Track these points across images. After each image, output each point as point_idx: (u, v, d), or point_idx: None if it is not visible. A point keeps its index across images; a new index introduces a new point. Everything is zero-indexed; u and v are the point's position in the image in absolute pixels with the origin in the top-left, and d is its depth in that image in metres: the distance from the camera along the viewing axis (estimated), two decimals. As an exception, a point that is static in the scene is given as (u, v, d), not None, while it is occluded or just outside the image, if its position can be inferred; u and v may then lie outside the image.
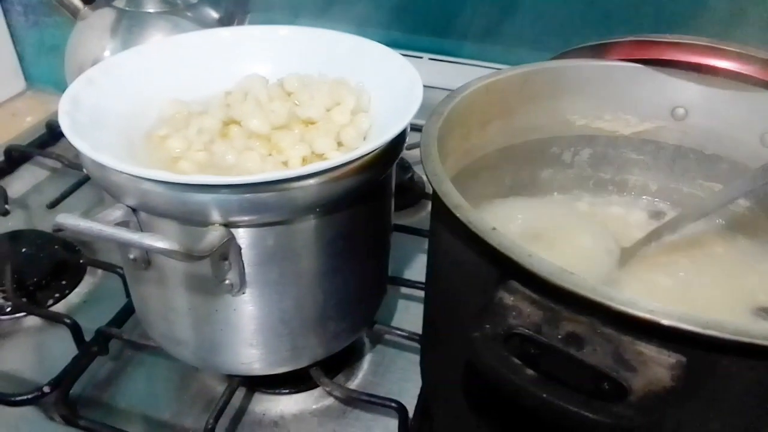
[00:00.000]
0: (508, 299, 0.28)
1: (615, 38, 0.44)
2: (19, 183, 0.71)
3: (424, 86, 0.40)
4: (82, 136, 0.36)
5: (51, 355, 0.51)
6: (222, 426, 0.45)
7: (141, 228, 0.38)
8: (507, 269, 0.28)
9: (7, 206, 0.65)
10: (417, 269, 0.58)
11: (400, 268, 0.58)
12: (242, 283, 0.39)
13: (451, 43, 0.79)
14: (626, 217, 0.47)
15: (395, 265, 0.52)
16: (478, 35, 0.77)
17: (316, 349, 0.44)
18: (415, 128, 0.37)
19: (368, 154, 0.36)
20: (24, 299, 0.55)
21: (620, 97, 0.44)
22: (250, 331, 0.41)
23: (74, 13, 0.63)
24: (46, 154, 0.72)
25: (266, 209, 0.35)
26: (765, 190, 0.40)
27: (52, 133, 0.75)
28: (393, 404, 0.45)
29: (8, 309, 0.54)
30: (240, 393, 0.48)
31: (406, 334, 0.50)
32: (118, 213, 0.37)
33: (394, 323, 0.53)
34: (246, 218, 0.36)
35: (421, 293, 0.53)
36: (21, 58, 0.89)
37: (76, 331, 0.49)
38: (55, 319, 0.52)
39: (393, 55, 0.44)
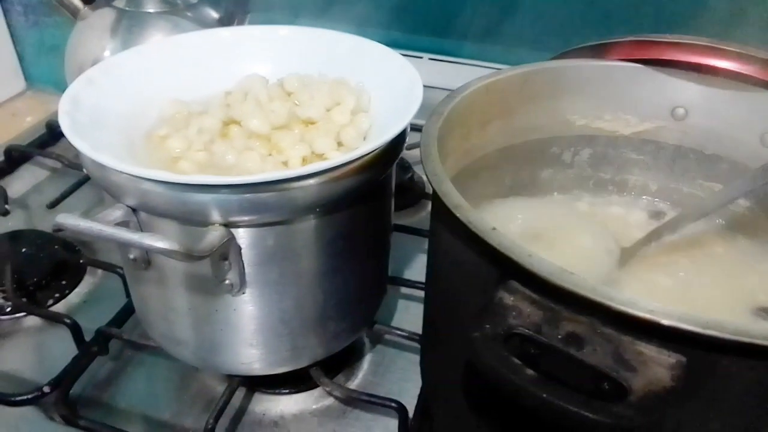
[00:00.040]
0: (508, 299, 0.28)
1: (615, 38, 0.44)
2: (19, 183, 0.71)
3: (424, 86, 0.40)
4: (82, 136, 0.36)
5: (51, 355, 0.51)
6: (222, 426, 0.45)
7: (141, 228, 0.38)
8: (507, 269, 0.28)
9: (7, 206, 0.65)
10: (417, 269, 0.58)
11: (400, 268, 0.58)
12: (242, 283, 0.39)
13: (451, 43, 0.79)
14: (626, 217, 0.47)
15: (395, 265, 0.52)
16: (478, 35, 0.77)
17: (316, 349, 0.44)
18: (415, 128, 0.37)
19: (368, 154, 0.36)
20: (24, 299, 0.55)
21: (620, 97, 0.44)
22: (250, 331, 0.41)
23: (74, 13, 0.63)
24: (46, 154, 0.72)
25: (266, 209, 0.35)
26: (765, 190, 0.40)
27: (52, 133, 0.75)
28: (393, 404, 0.45)
29: (8, 309, 0.54)
30: (240, 393, 0.48)
31: (406, 334, 0.50)
32: (118, 213, 0.37)
33: (394, 323, 0.53)
34: (246, 218, 0.36)
35: (421, 293, 0.53)
36: (21, 58, 0.89)
37: (76, 331, 0.49)
38: (55, 319, 0.52)
39: (393, 55, 0.44)
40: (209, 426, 0.44)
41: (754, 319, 0.39)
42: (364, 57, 0.46)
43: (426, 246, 0.40)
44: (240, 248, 0.37)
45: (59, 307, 0.55)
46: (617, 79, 0.44)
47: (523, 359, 0.26)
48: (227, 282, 0.38)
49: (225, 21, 0.64)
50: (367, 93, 0.44)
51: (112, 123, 0.40)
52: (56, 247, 0.59)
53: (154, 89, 0.44)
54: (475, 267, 0.31)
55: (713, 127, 0.44)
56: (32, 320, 0.54)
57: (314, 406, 0.48)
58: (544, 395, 0.25)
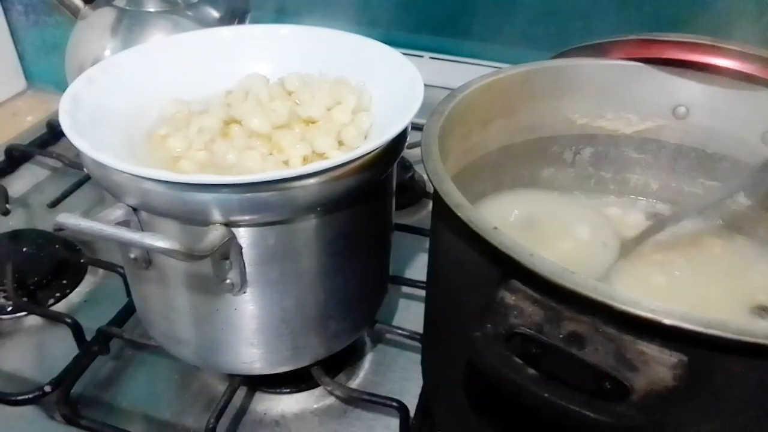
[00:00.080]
0: (510, 298, 0.28)
1: (616, 37, 0.44)
2: (19, 182, 0.71)
3: (425, 85, 0.40)
4: (82, 136, 0.36)
5: (52, 355, 0.51)
6: (223, 425, 0.45)
7: (142, 227, 0.38)
8: (508, 268, 0.28)
9: (7, 205, 0.65)
10: (418, 268, 0.58)
11: (401, 268, 0.58)
12: (243, 283, 0.39)
13: (452, 42, 0.79)
14: (626, 217, 0.47)
15: (396, 265, 0.52)
16: (479, 34, 0.77)
17: (317, 348, 0.44)
18: (416, 127, 0.37)
19: (369, 153, 0.36)
20: (25, 299, 0.55)
21: (621, 95, 0.44)
22: (251, 330, 0.41)
23: (75, 13, 0.63)
24: (47, 153, 0.72)
25: (267, 208, 0.35)
26: (764, 187, 0.40)
27: (53, 133, 0.75)
28: (394, 403, 0.45)
29: (9, 308, 0.54)
30: (241, 392, 0.48)
31: (408, 334, 0.50)
32: (118, 212, 0.37)
33: (395, 322, 0.53)
34: (247, 217, 0.36)
35: (422, 292, 0.53)
36: (21, 58, 0.89)
37: (77, 330, 0.49)
38: (56, 318, 0.52)
39: (394, 54, 0.44)
40: (210, 425, 0.44)
41: (753, 317, 0.39)
42: (365, 56, 0.45)
43: (427, 245, 0.40)
44: (241, 247, 0.37)
45: (60, 307, 0.55)
46: (618, 78, 0.44)
47: (525, 359, 0.26)
48: (228, 281, 0.38)
49: (225, 20, 0.64)
50: (368, 92, 0.44)
51: (112, 122, 0.40)
52: (57, 246, 0.59)
53: (155, 88, 0.44)
54: (476, 266, 0.31)
55: (715, 126, 0.44)
56: (33, 320, 0.54)
57: (315, 406, 0.48)
58: (546, 395, 0.25)
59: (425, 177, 0.67)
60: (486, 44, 0.77)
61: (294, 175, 0.34)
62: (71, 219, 0.33)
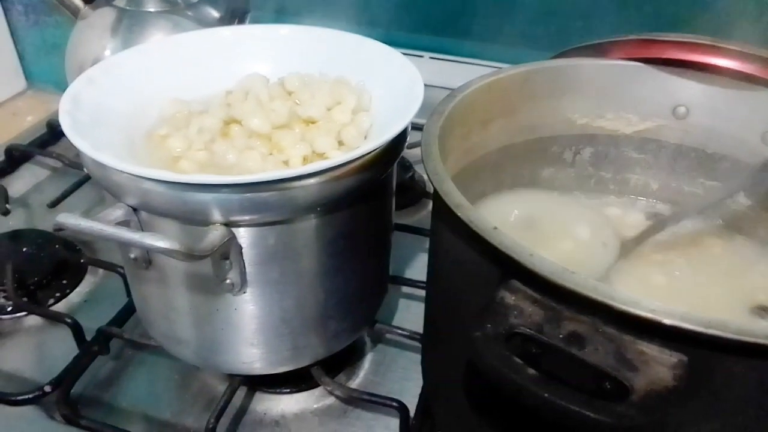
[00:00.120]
0: (510, 298, 0.28)
1: (616, 37, 0.44)
2: (19, 182, 0.71)
3: (425, 85, 0.40)
4: (82, 136, 0.36)
5: (52, 355, 0.51)
6: (223, 425, 0.45)
7: (142, 227, 0.38)
8: (508, 268, 0.28)
9: (7, 205, 0.65)
10: (418, 268, 0.58)
11: (401, 268, 0.58)
12: (243, 283, 0.39)
13: (452, 42, 0.79)
14: (626, 217, 0.47)
15: (396, 265, 0.52)
16: (479, 34, 0.77)
17: (317, 348, 0.44)
18: (416, 127, 0.37)
19: (369, 153, 0.36)
20: (25, 299, 0.55)
21: (621, 95, 0.44)
22: (251, 330, 0.41)
23: (75, 13, 0.63)
24: (47, 153, 0.72)
25: (267, 209, 0.35)
26: (764, 187, 0.40)
27: (53, 133, 0.75)
28: (394, 403, 0.45)
29: (9, 308, 0.54)
30: (241, 392, 0.48)
31: (407, 334, 0.50)
32: (118, 212, 0.37)
33: (395, 322, 0.53)
34: (247, 218, 0.36)
35: (422, 292, 0.53)
36: (21, 58, 0.89)
37: (77, 330, 0.49)
38: (56, 318, 0.52)
39: (394, 54, 0.44)
40: (210, 425, 0.44)
41: (753, 317, 0.39)
42: (365, 56, 0.45)
43: (427, 245, 0.40)
44: (241, 247, 0.37)
45: (60, 307, 0.55)
46: (618, 78, 0.44)
47: (525, 359, 0.26)
48: (228, 281, 0.38)
49: (225, 20, 0.64)
50: (368, 92, 0.44)
51: (112, 122, 0.40)
52: (57, 246, 0.59)
53: (155, 88, 0.44)
54: (476, 266, 0.31)
55: (715, 126, 0.43)
56: (33, 320, 0.54)
57: (315, 406, 0.48)
58: (546, 395, 0.25)
59: (425, 177, 0.67)
60: (486, 44, 0.77)
61: (294, 175, 0.34)
62: (71, 219, 0.33)
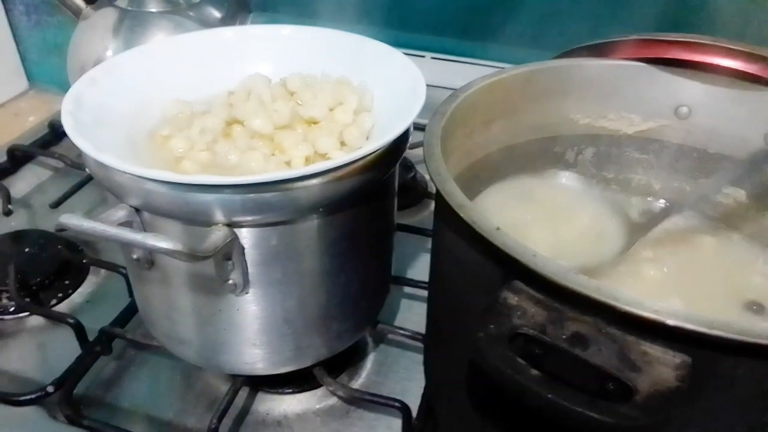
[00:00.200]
0: (513, 299, 0.28)
1: (618, 37, 0.44)
2: (21, 183, 0.71)
3: (427, 85, 0.40)
4: (84, 136, 0.36)
5: (54, 355, 0.51)
6: (225, 426, 0.45)
7: (144, 228, 0.38)
8: (511, 269, 0.28)
9: (10, 206, 0.65)
10: (420, 269, 0.58)
11: (403, 268, 0.58)
12: (245, 283, 0.39)
13: (454, 42, 0.79)
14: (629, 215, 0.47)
15: (398, 265, 0.52)
16: (481, 34, 0.77)
17: (320, 348, 0.44)
18: (418, 127, 0.37)
19: (371, 153, 0.36)
20: (27, 299, 0.55)
21: (624, 95, 0.44)
22: (253, 330, 0.41)
23: (76, 13, 0.63)
24: (49, 153, 0.72)
25: (269, 209, 0.35)
26: (754, 180, 0.40)
27: (55, 133, 0.75)
28: (396, 404, 0.45)
29: (12, 309, 0.54)
30: (243, 393, 0.48)
31: (410, 334, 0.50)
32: (121, 213, 0.37)
33: (397, 323, 0.53)
34: (249, 218, 0.36)
35: (425, 293, 0.53)
36: (23, 58, 0.89)
37: (79, 330, 0.50)
38: (59, 318, 0.52)
39: (396, 54, 0.44)
40: (212, 426, 0.44)
41: (747, 313, 0.39)
42: (367, 56, 0.45)
43: (429, 245, 0.40)
44: (243, 248, 0.37)
45: (62, 307, 0.55)
46: (621, 78, 0.44)
47: (528, 359, 0.26)
48: (230, 282, 0.38)
49: (227, 20, 0.64)
50: (370, 92, 0.44)
51: (114, 123, 0.40)
52: (59, 247, 0.59)
53: (157, 89, 0.44)
54: (478, 266, 0.31)
55: (717, 126, 0.43)
56: (35, 320, 0.54)
57: (317, 406, 0.48)
58: (549, 395, 0.25)
59: (427, 177, 0.67)
60: (488, 44, 0.77)
61: (296, 176, 0.34)
62: (74, 219, 0.33)
